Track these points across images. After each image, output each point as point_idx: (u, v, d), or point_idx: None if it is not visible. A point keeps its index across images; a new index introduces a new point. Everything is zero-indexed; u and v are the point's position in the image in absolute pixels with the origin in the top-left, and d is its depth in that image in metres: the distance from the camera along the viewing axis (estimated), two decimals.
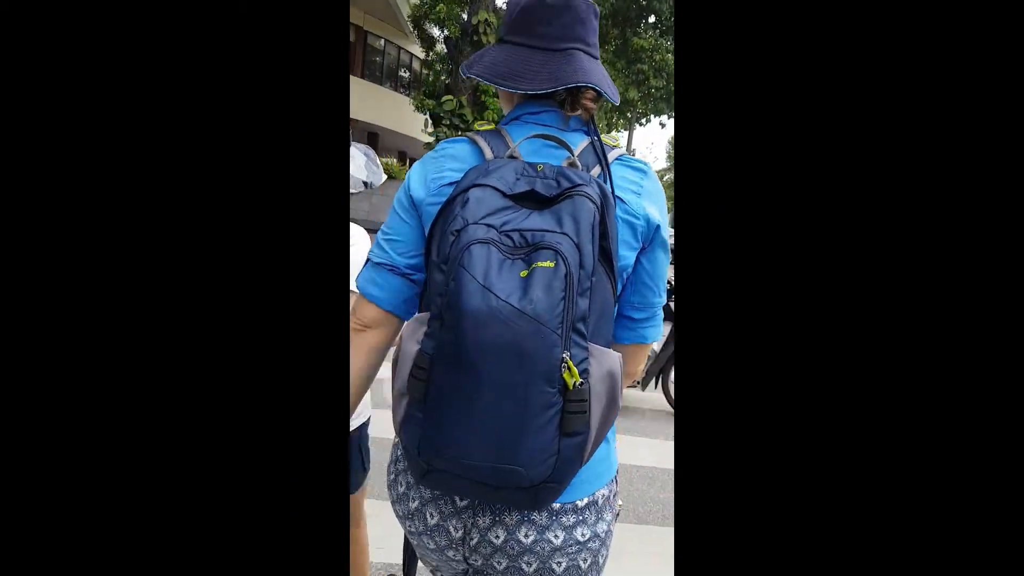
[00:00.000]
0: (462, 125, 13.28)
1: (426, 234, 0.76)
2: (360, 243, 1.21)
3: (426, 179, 0.79)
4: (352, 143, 1.20)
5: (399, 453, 0.83)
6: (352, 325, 0.79)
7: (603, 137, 0.81)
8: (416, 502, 0.79)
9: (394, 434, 0.74)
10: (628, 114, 16.60)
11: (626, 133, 19.42)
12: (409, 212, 0.79)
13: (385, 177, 1.14)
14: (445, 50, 14.19)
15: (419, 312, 0.73)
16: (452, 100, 13.12)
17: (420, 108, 14.01)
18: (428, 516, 0.78)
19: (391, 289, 0.79)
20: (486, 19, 12.93)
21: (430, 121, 13.89)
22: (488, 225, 0.64)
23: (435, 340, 0.64)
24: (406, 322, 0.71)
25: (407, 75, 18.67)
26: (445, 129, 13.19)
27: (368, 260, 0.81)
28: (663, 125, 18.39)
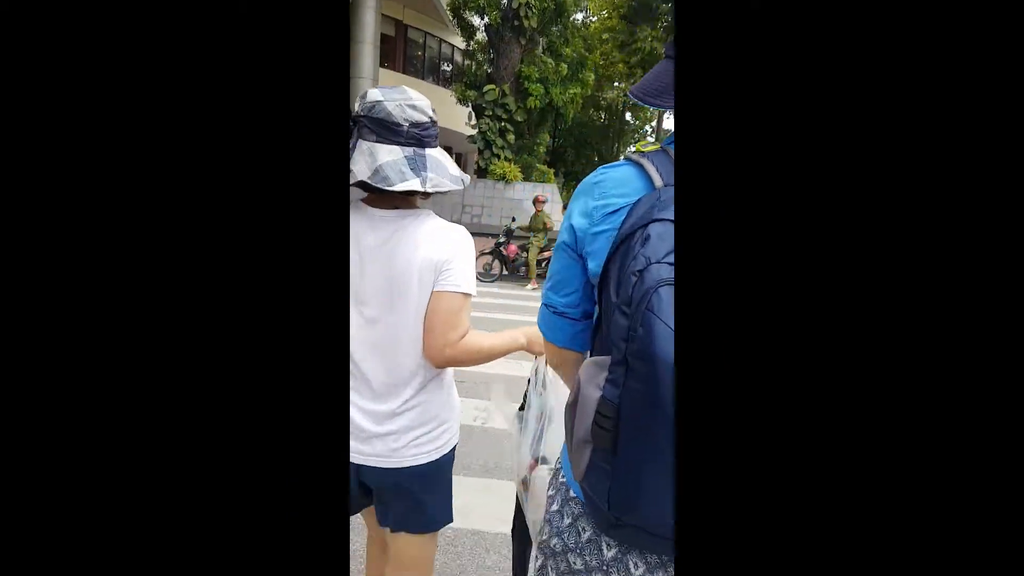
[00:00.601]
0: (504, 115, 12.82)
1: (589, 265, 0.75)
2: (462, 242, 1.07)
3: (588, 208, 0.75)
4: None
5: (565, 490, 0.81)
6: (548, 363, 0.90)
7: None
8: (589, 532, 0.77)
9: (559, 467, 0.85)
10: None
11: None
12: (572, 249, 0.77)
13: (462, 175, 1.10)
14: (486, 38, 13.73)
15: (593, 351, 0.75)
16: (494, 89, 12.66)
17: (462, 100, 13.60)
18: (581, 531, 0.77)
19: (563, 330, 0.81)
20: (527, 2, 12.35)
21: (473, 114, 13.49)
22: (671, 264, 0.61)
23: (620, 388, 0.62)
24: (583, 364, 0.69)
25: (449, 68, 18.36)
26: (488, 120, 12.78)
27: (543, 305, 0.83)
28: None
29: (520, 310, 6.36)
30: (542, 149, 15.06)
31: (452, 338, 1.01)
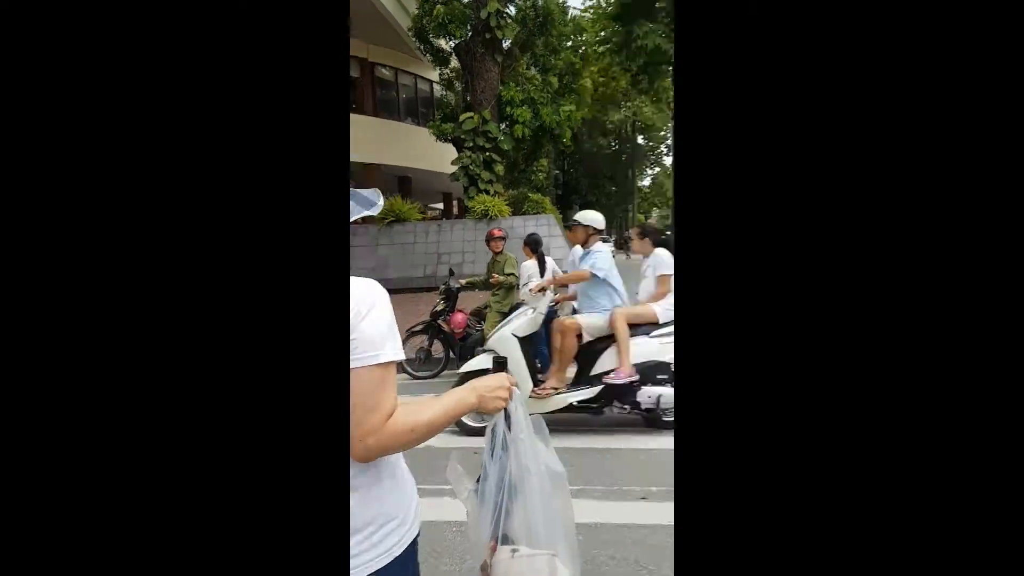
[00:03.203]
0: (488, 145, 10.67)
1: None
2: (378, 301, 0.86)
3: None
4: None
5: None
6: None
7: None
8: None
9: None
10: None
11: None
12: None
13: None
14: (458, 63, 11.82)
15: None
16: (473, 117, 10.60)
17: (439, 135, 11.48)
18: None
19: None
20: (498, 10, 10.40)
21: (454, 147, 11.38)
22: None
23: None
24: None
25: (429, 105, 16.56)
26: (469, 153, 10.67)
27: None
28: None
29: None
30: (541, 177, 12.66)
31: (374, 423, 0.80)
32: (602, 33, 14.83)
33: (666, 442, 3.37)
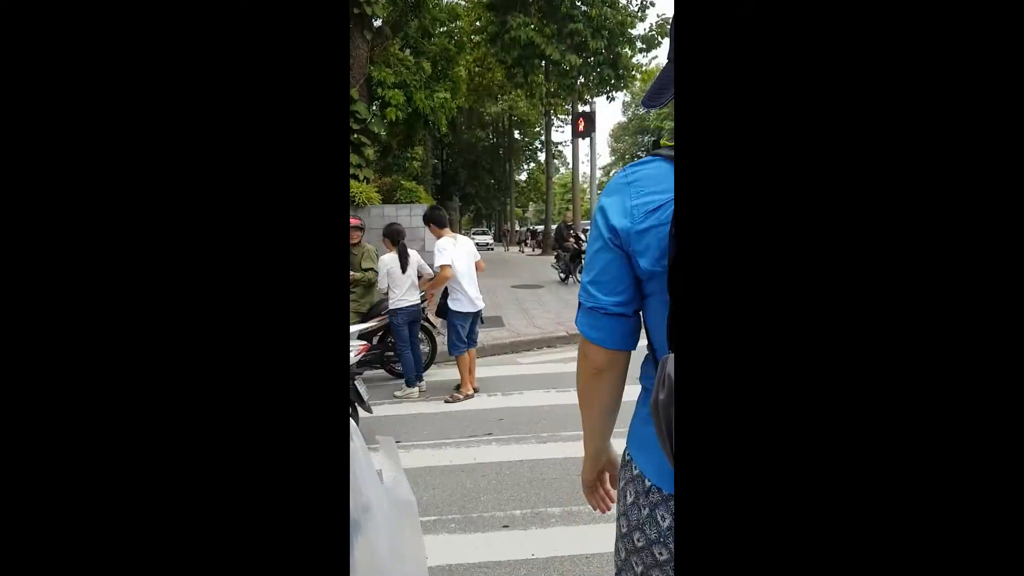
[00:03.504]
0: (356, 126, 10.00)
1: (640, 263, 0.75)
2: None
3: (626, 207, 0.76)
4: None
5: (640, 480, 0.82)
6: (586, 369, 0.84)
7: None
8: (669, 519, 0.79)
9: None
10: (570, 83, 13.57)
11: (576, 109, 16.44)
12: (612, 247, 0.77)
13: None
14: None
15: (653, 345, 0.80)
16: None
17: None
18: (660, 519, 0.79)
19: (615, 331, 0.80)
20: None
21: None
22: None
23: None
24: (668, 358, 0.66)
25: None
26: None
27: (580, 304, 0.82)
28: (611, 99, 15.30)
29: None
30: (417, 166, 12.21)
31: None
32: (477, 22, 14.70)
33: (521, 452, 3.22)
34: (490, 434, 3.30)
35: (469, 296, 4.05)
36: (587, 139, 11.21)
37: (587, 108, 13.66)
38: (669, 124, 30.96)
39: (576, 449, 2.85)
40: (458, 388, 4.09)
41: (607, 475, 0.98)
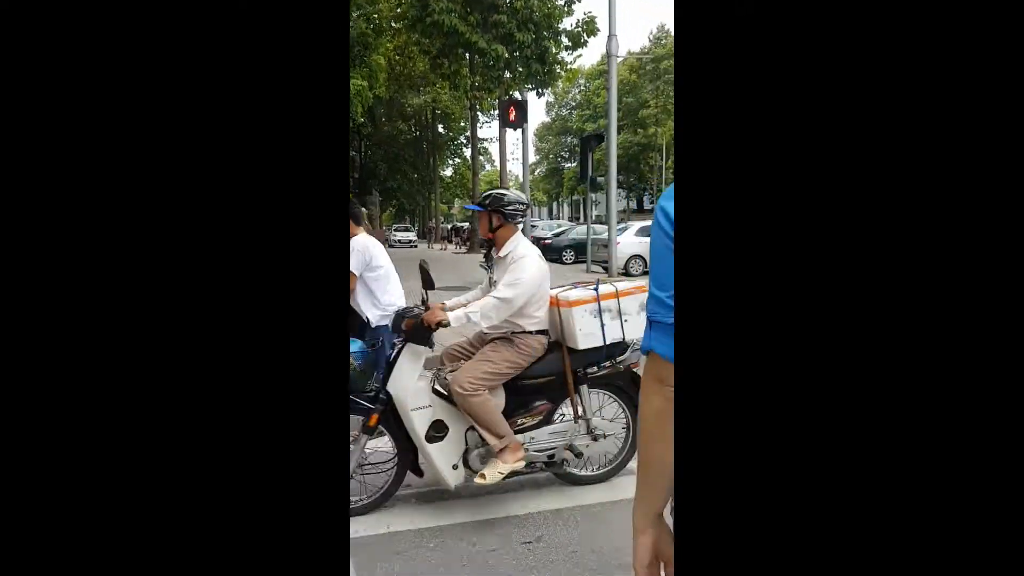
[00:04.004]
0: None
1: None
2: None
3: None
4: None
5: None
6: (666, 400, 0.72)
7: None
8: None
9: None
10: (497, 75, 13.18)
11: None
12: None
13: None
14: None
15: None
16: None
17: None
18: None
19: None
20: None
21: None
22: None
23: None
24: None
25: None
26: None
27: (655, 323, 0.75)
28: (540, 95, 15.08)
29: None
30: None
31: None
32: (398, 8, 13.94)
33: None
34: None
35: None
36: (519, 130, 10.14)
37: (518, 95, 13.06)
38: (591, 126, 31.45)
39: None
40: None
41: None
